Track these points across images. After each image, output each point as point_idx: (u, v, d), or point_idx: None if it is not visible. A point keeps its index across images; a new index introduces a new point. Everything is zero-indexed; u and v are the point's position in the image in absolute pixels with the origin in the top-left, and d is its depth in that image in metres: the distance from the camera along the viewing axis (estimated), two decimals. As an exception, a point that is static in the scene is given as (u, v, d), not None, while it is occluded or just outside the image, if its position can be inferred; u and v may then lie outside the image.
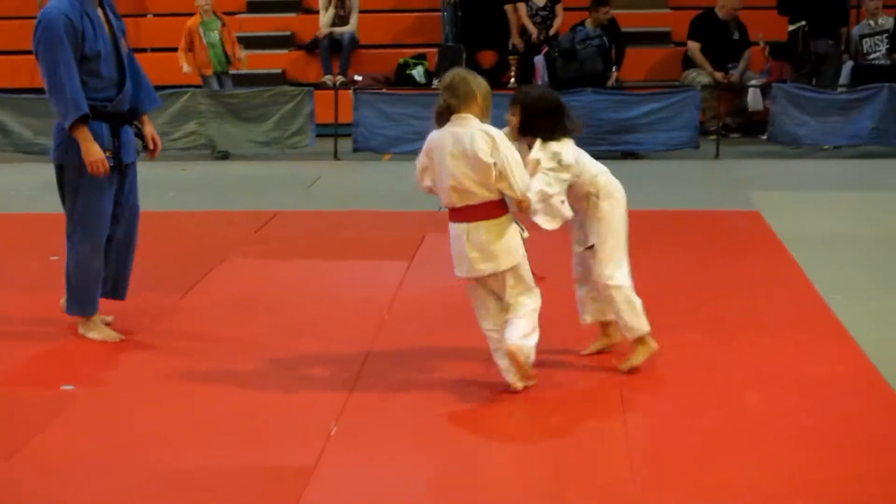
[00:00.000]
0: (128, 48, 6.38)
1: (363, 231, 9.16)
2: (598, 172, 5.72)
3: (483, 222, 5.29)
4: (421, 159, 5.45)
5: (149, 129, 6.47)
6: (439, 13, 15.40)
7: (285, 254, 8.46)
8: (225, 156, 13.26)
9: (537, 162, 5.48)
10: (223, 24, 13.68)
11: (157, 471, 4.71)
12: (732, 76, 13.85)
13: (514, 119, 5.62)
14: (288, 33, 15.67)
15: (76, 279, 6.28)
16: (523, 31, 14.48)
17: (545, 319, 5.52)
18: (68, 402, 5.48)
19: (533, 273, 5.47)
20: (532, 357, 5.37)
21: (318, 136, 13.15)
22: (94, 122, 6.06)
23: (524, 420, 5.30)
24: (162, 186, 10.69)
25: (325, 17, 14.79)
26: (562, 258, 6.10)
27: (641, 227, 8.68)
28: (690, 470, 4.67)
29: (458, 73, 5.43)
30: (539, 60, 13.72)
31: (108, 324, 6.52)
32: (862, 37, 13.83)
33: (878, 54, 13.77)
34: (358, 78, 14.29)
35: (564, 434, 5.11)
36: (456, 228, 5.35)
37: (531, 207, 5.37)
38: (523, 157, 5.42)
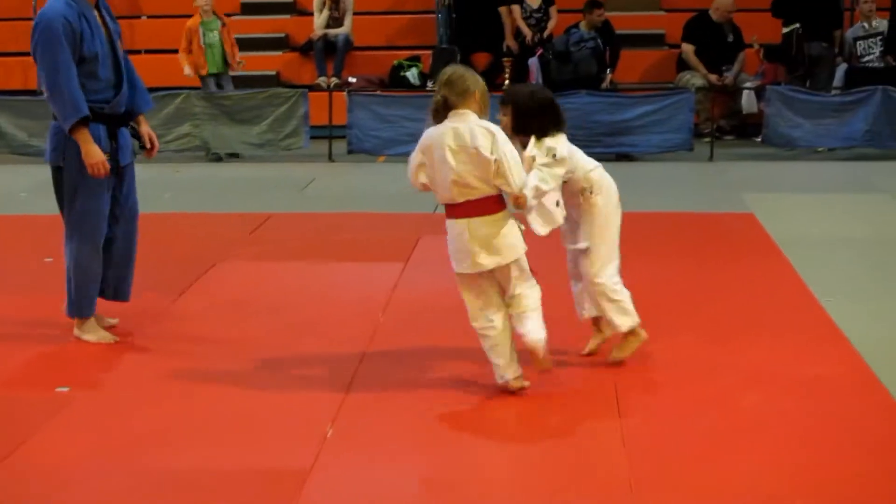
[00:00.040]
0: (123, 50, 6.37)
1: (358, 233, 9.16)
2: (591, 168, 5.78)
3: (483, 217, 5.31)
4: (416, 156, 5.44)
5: (145, 129, 6.47)
6: (433, 15, 15.40)
7: (280, 256, 8.45)
8: (219, 158, 13.25)
9: (532, 159, 5.49)
10: (223, 25, 13.67)
11: (153, 472, 4.71)
12: (727, 78, 13.86)
13: (505, 119, 5.63)
14: (282, 35, 15.66)
15: (75, 281, 6.27)
16: (517, 33, 14.49)
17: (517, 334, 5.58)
18: (64, 403, 5.47)
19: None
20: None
21: (313, 137, 13.14)
22: (92, 125, 6.05)
23: (521, 420, 5.30)
24: (156, 188, 10.67)
25: (319, 19, 14.79)
26: (555, 254, 6.09)
27: (636, 229, 8.68)
28: (688, 471, 4.67)
29: (457, 69, 5.45)
30: (533, 62, 13.72)
31: (112, 326, 6.53)
32: (856, 39, 13.85)
33: (871, 57, 13.79)
34: (352, 80, 14.28)
35: (561, 434, 5.12)
36: (456, 225, 5.36)
37: (527, 204, 5.38)
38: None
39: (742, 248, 8.53)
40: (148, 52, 14.91)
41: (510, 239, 5.34)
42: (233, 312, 6.96)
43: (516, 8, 14.46)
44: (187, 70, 13.54)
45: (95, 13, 6.18)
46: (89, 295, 6.32)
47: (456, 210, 5.35)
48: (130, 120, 6.37)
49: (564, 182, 5.61)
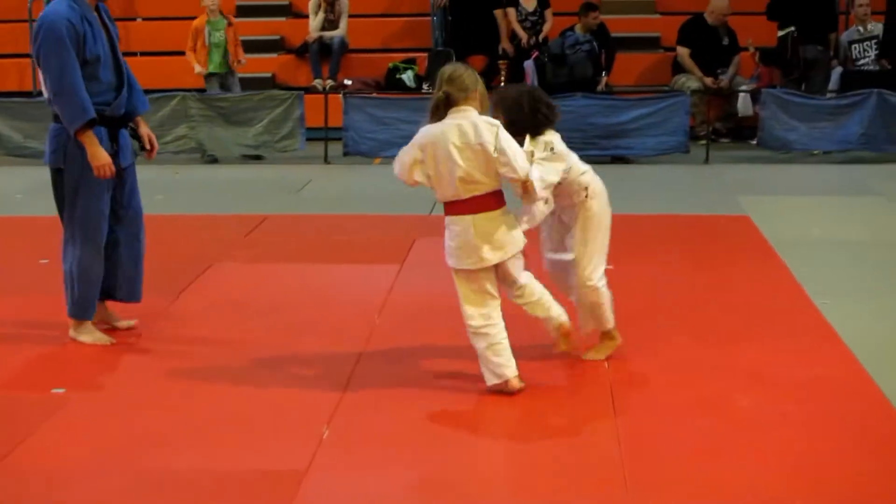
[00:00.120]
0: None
1: (354, 235, 9.16)
2: (583, 170, 5.82)
3: (488, 213, 5.37)
4: (412, 153, 5.44)
5: (144, 130, 6.47)
6: (429, 18, 15.41)
7: (276, 257, 8.45)
8: (214, 160, 13.25)
9: (531, 154, 5.52)
10: (229, 25, 13.68)
11: (151, 473, 4.71)
12: (722, 81, 13.88)
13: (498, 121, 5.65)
14: (277, 37, 15.66)
15: (77, 283, 6.26)
16: (513, 36, 14.50)
17: (540, 320, 5.63)
18: (60, 405, 5.46)
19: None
20: None
21: (309, 139, 13.15)
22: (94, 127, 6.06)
23: (517, 420, 5.31)
24: (150, 190, 10.64)
25: (314, 22, 14.79)
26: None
27: (631, 232, 8.72)
28: (684, 471, 4.68)
29: (457, 67, 5.49)
30: (529, 65, 13.74)
31: (131, 328, 6.56)
32: (851, 42, 13.87)
33: (866, 60, 13.81)
34: (348, 82, 14.28)
35: (558, 434, 5.12)
36: (460, 221, 5.38)
37: (537, 192, 5.41)
38: None
39: (738, 250, 8.54)
40: (143, 54, 14.90)
41: (512, 233, 5.42)
42: (229, 314, 6.96)
43: (512, 11, 14.47)
44: (198, 68, 13.57)
45: (96, 16, 6.18)
46: (91, 297, 6.32)
47: (461, 206, 5.38)
48: (129, 122, 6.37)
49: (558, 183, 5.63)
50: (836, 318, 6.63)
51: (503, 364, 5.43)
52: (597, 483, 4.59)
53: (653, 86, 14.35)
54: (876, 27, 13.82)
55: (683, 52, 14.00)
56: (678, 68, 14.16)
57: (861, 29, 13.87)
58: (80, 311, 6.33)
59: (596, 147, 12.45)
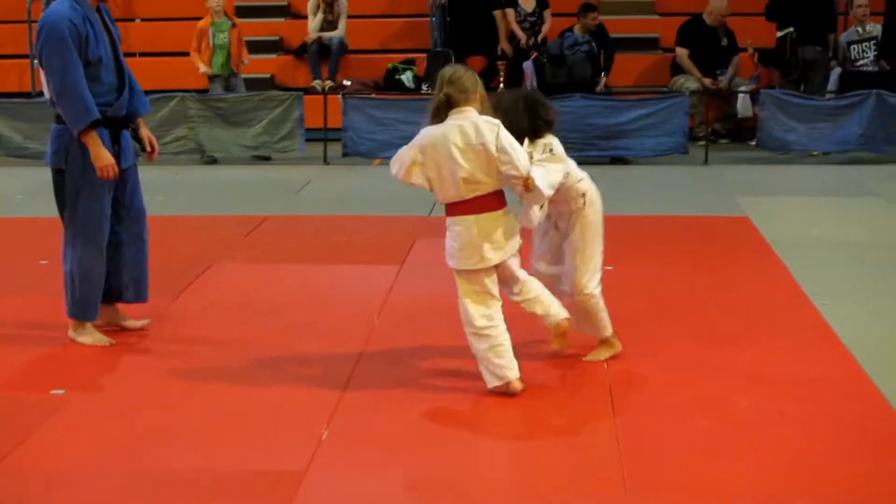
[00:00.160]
0: (119, 53, 6.39)
1: (353, 235, 9.16)
2: (581, 177, 5.84)
3: (491, 213, 5.39)
4: (412, 154, 5.45)
5: (145, 132, 6.48)
6: (428, 18, 15.41)
7: (275, 258, 8.45)
8: (214, 160, 13.25)
9: (530, 155, 5.53)
10: (233, 26, 13.69)
11: (151, 473, 4.71)
12: (721, 82, 13.88)
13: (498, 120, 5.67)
14: (276, 38, 15.66)
15: (79, 284, 6.26)
16: (512, 37, 14.50)
17: (539, 320, 5.65)
18: (59, 405, 5.47)
19: None
20: None
21: (308, 140, 13.15)
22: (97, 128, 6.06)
23: (516, 420, 5.31)
24: (150, 191, 10.63)
25: (313, 22, 14.79)
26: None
27: (630, 233, 8.74)
28: (684, 471, 4.68)
29: (456, 69, 5.51)
30: (528, 66, 13.74)
31: (143, 328, 6.57)
32: (850, 43, 13.87)
33: (865, 61, 13.81)
34: (347, 83, 14.28)
35: (557, 434, 5.13)
36: (463, 221, 5.40)
37: (542, 190, 5.42)
38: None
39: (737, 251, 8.55)
40: (142, 54, 14.90)
41: (512, 233, 5.46)
42: (229, 314, 6.96)
43: (510, 11, 14.47)
44: (203, 68, 13.59)
45: (98, 17, 6.18)
46: (93, 297, 6.32)
47: (464, 207, 5.39)
48: (130, 123, 6.38)
49: (556, 190, 5.63)
50: (834, 318, 6.63)
51: (505, 366, 5.43)
52: (596, 483, 4.60)
53: (652, 86, 14.35)
54: (875, 28, 13.82)
55: (682, 52, 14.00)
56: (677, 69, 14.16)
57: (860, 30, 13.87)
58: (81, 312, 6.33)
59: (595, 148, 12.46)
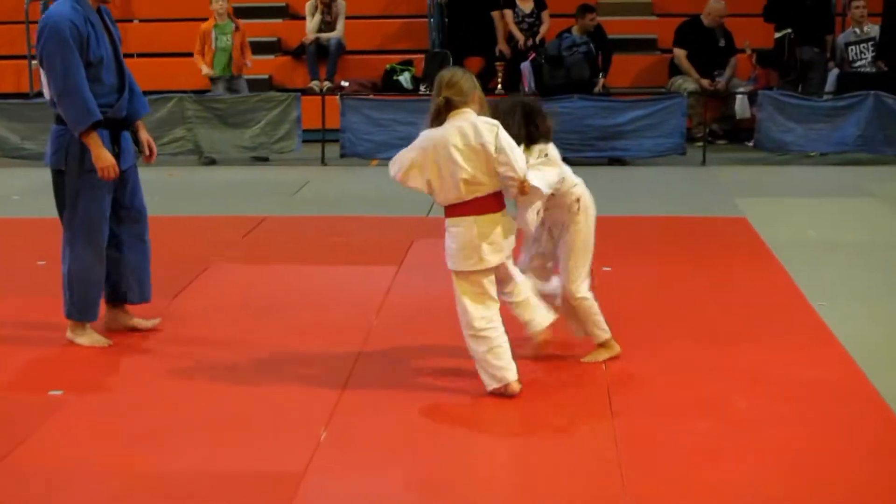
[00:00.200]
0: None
1: (351, 236, 9.16)
2: (576, 182, 5.87)
3: (490, 215, 5.41)
4: (412, 156, 5.45)
5: (144, 135, 6.49)
6: (426, 19, 15.43)
7: (273, 259, 8.46)
8: (212, 161, 13.25)
9: (525, 160, 5.53)
10: (237, 29, 13.69)
11: (149, 475, 4.71)
12: (719, 83, 13.90)
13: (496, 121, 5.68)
14: (274, 39, 15.68)
15: (78, 285, 6.26)
16: (510, 38, 14.52)
17: (522, 322, 5.66)
18: (57, 406, 5.46)
19: None
20: None
21: (305, 141, 13.16)
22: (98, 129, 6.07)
23: (514, 421, 5.31)
24: (148, 191, 10.63)
25: (311, 23, 14.80)
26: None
27: (628, 233, 8.76)
28: (682, 472, 4.68)
29: (455, 71, 5.53)
30: (526, 67, 13.75)
31: (153, 327, 6.57)
32: (847, 44, 13.89)
33: (863, 62, 13.83)
34: (345, 84, 14.29)
35: (556, 435, 5.12)
36: (462, 222, 5.41)
37: (541, 189, 5.43)
38: None
39: (735, 251, 8.55)
40: (140, 55, 14.90)
41: (510, 235, 5.48)
42: (227, 315, 6.96)
43: (508, 12, 14.49)
44: (205, 69, 13.59)
45: (99, 18, 6.18)
46: (92, 298, 6.31)
47: (463, 208, 5.40)
48: (130, 124, 6.38)
49: (552, 194, 5.64)
50: (833, 319, 6.64)
51: (504, 367, 5.43)
52: (594, 483, 4.60)
53: (649, 87, 14.37)
54: (872, 29, 13.84)
55: (680, 53, 14.01)
56: (675, 70, 14.17)
57: (857, 31, 13.89)
58: (80, 313, 6.33)
59: (592, 149, 12.47)
